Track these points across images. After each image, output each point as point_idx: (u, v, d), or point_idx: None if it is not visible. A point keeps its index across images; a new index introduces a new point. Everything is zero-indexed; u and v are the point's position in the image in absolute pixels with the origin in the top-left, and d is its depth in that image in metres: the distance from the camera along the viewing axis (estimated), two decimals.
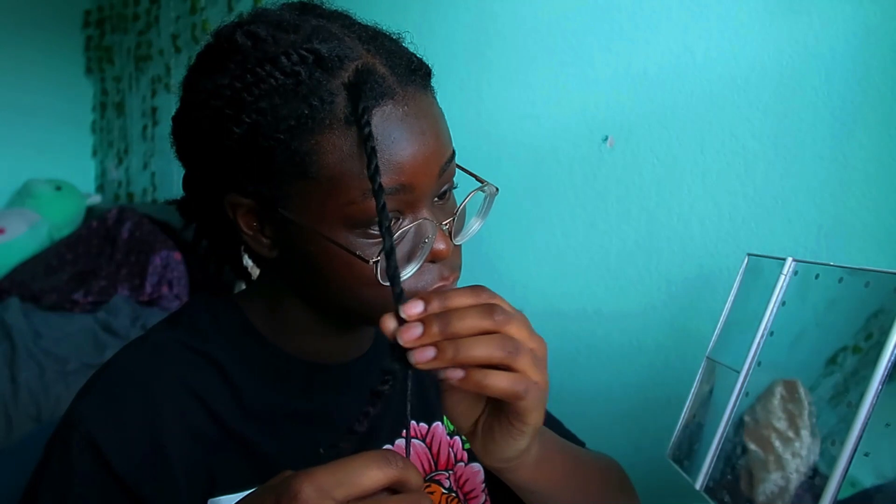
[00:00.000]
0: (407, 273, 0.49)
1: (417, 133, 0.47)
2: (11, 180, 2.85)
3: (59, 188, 2.75)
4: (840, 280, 0.51)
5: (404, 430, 0.63)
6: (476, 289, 0.42)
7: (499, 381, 0.40)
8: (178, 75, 2.55)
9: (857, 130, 0.81)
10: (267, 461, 0.56)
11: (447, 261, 0.52)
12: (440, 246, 0.50)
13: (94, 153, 3.21)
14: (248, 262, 0.63)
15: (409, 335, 0.39)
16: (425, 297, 0.40)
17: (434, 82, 0.54)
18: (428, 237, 0.49)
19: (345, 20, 0.51)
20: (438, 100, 0.54)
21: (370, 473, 0.36)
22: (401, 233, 0.49)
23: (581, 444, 0.79)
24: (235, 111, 0.47)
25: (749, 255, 0.68)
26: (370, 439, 0.61)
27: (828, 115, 0.84)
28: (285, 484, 0.36)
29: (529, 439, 0.45)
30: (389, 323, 0.40)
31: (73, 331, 1.86)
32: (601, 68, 1.10)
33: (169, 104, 2.60)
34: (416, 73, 0.50)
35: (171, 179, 2.62)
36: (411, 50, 0.53)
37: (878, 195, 0.80)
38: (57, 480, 0.51)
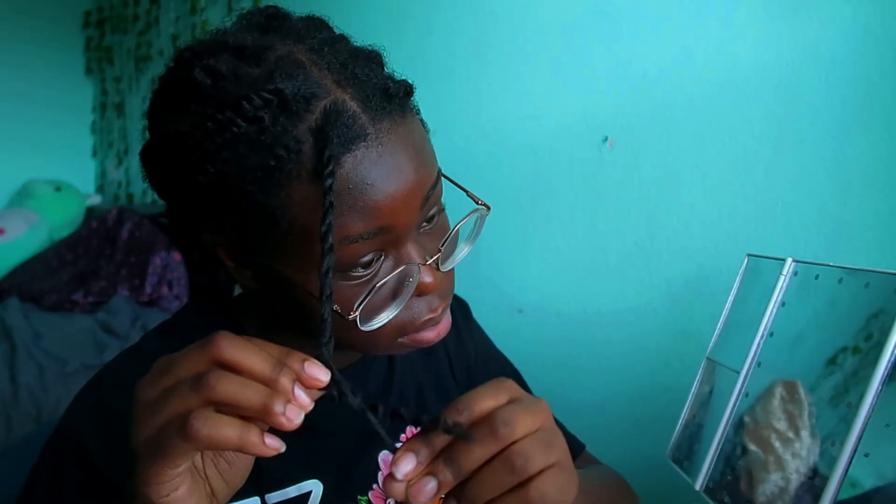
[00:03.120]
0: (389, 315, 0.48)
1: (394, 172, 0.44)
2: (11, 181, 2.85)
3: (59, 189, 2.75)
4: (840, 280, 0.51)
5: (402, 435, 0.63)
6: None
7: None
8: None
9: (856, 131, 0.81)
10: (260, 471, 0.56)
11: (437, 291, 0.50)
12: (427, 280, 0.48)
13: (94, 154, 3.21)
14: None
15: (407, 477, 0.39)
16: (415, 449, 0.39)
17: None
18: (412, 277, 0.48)
19: (313, 38, 0.47)
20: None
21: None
22: (383, 280, 0.47)
23: (581, 446, 0.79)
24: (199, 159, 0.44)
25: (749, 255, 0.69)
26: (368, 446, 0.61)
27: (827, 116, 0.84)
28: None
29: None
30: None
31: (73, 331, 1.86)
32: (601, 69, 1.10)
33: None
34: (392, 100, 0.46)
35: None
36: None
37: (878, 195, 0.80)
38: (50, 479, 0.51)
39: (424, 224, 0.50)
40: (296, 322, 0.54)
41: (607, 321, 1.10)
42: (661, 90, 1.01)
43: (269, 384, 0.35)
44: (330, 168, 0.41)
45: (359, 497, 0.59)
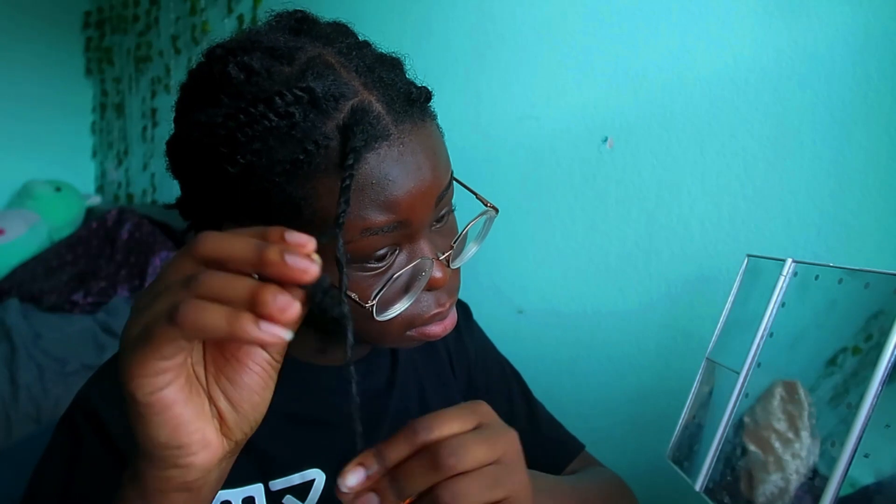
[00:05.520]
0: (403, 306, 0.50)
1: (413, 170, 0.47)
2: (11, 181, 2.85)
3: (58, 189, 2.75)
4: (840, 281, 0.51)
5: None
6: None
7: None
8: (177, 76, 2.55)
9: (856, 131, 0.81)
10: (265, 459, 0.57)
11: (445, 287, 0.53)
12: (437, 275, 0.51)
13: (94, 154, 3.21)
14: None
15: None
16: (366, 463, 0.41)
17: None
18: (425, 271, 0.50)
19: (342, 42, 0.49)
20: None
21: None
22: (399, 272, 0.49)
23: (581, 446, 0.79)
24: (230, 150, 0.46)
25: (749, 256, 0.69)
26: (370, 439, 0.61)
27: (827, 116, 0.84)
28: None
29: None
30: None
31: (73, 332, 1.86)
32: (601, 69, 1.10)
33: (169, 105, 2.59)
34: (413, 104, 0.49)
35: (170, 181, 2.59)
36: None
37: (878, 196, 0.80)
38: (65, 454, 0.52)
39: (436, 223, 0.53)
40: (307, 316, 0.55)
41: (607, 321, 1.10)
42: (661, 90, 1.01)
43: (257, 263, 0.33)
44: (350, 164, 0.43)
45: None
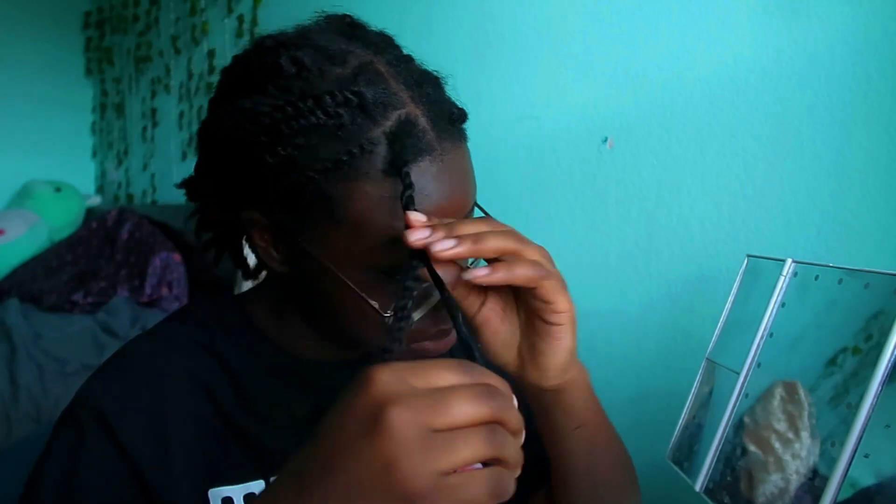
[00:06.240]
0: (415, 318, 0.50)
1: (448, 187, 0.48)
2: (11, 181, 2.85)
3: (58, 189, 2.75)
4: (840, 281, 0.51)
5: None
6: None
7: (522, 268, 0.43)
8: (177, 76, 2.55)
9: (856, 131, 0.81)
10: (269, 456, 0.57)
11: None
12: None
13: (94, 154, 3.21)
14: (247, 252, 0.63)
15: (431, 238, 0.41)
16: (432, 225, 0.43)
17: None
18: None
19: (391, 53, 0.51)
20: None
21: (458, 398, 0.33)
22: (423, 285, 0.49)
23: None
24: (271, 140, 0.46)
25: (749, 256, 0.68)
26: None
27: (827, 116, 0.84)
28: (361, 375, 0.34)
29: (571, 336, 0.47)
30: (414, 234, 0.42)
31: (73, 332, 1.86)
32: (601, 69, 1.10)
33: (168, 105, 2.60)
34: (454, 124, 0.51)
35: (170, 181, 2.62)
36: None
37: (878, 196, 0.80)
38: (65, 450, 0.52)
39: None
40: (309, 311, 0.56)
41: (607, 321, 1.10)
42: (661, 91, 1.01)
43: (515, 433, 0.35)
44: (409, 180, 0.44)
45: None
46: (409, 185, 0.44)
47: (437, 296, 0.51)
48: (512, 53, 1.24)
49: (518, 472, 0.34)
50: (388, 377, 0.33)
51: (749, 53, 0.91)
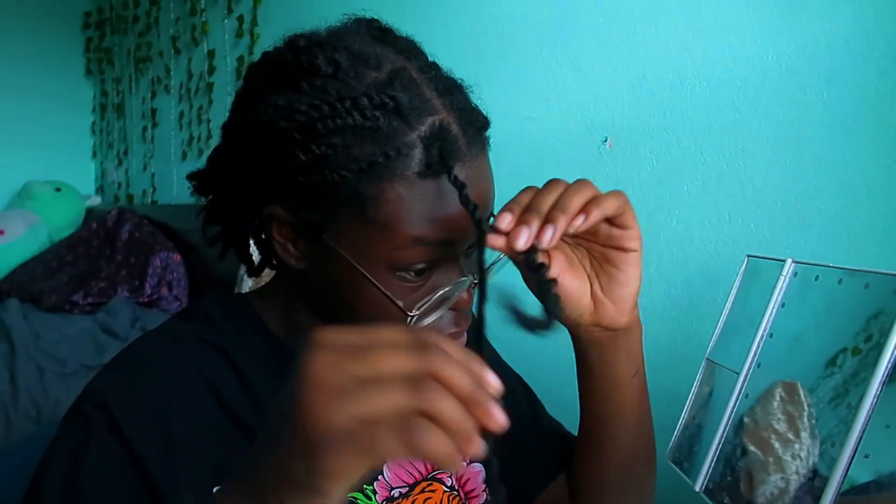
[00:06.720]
0: (431, 319, 0.52)
1: (475, 195, 0.48)
2: (11, 181, 2.86)
3: (58, 189, 2.75)
4: (840, 281, 0.51)
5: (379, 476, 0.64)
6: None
7: (608, 201, 0.47)
8: (177, 77, 2.55)
9: (856, 131, 0.81)
10: None
11: (466, 309, 0.55)
12: (465, 296, 0.53)
13: (94, 155, 3.22)
14: (252, 249, 0.63)
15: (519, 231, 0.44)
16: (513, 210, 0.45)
17: None
18: (458, 290, 0.52)
19: (421, 60, 0.52)
20: None
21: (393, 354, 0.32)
22: (445, 287, 0.51)
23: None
24: (305, 138, 0.47)
25: (748, 256, 0.68)
26: None
27: (827, 117, 0.84)
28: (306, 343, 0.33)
29: (639, 266, 0.51)
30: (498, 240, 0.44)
31: (73, 332, 1.86)
32: (601, 70, 1.10)
33: (168, 106, 2.60)
34: (481, 132, 0.52)
35: (170, 181, 2.62)
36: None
37: (878, 196, 0.80)
38: (72, 445, 0.52)
39: (469, 248, 0.55)
40: (324, 308, 0.56)
41: None
42: (661, 91, 1.01)
43: (468, 404, 0.32)
44: (461, 182, 0.46)
45: (364, 486, 0.59)
46: (463, 185, 0.45)
47: (455, 296, 0.52)
48: (512, 54, 1.24)
49: (462, 436, 0.31)
50: (330, 333, 0.33)
51: (749, 54, 0.91)
